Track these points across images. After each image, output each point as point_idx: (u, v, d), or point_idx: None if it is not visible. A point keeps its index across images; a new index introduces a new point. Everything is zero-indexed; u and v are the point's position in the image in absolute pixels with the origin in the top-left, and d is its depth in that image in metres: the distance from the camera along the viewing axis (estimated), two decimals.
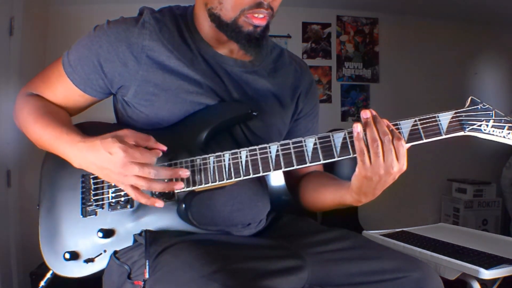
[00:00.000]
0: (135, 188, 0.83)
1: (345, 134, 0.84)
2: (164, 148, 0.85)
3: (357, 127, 0.80)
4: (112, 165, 0.81)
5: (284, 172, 1.10)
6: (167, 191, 0.85)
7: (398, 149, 0.79)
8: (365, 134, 0.79)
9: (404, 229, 1.77)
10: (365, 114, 0.80)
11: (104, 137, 0.82)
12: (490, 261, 1.32)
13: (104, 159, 0.81)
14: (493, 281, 1.41)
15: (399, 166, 0.79)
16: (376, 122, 0.80)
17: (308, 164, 0.85)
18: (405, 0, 3.07)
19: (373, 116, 0.80)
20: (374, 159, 0.78)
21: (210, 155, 0.87)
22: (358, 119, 3.33)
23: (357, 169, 0.81)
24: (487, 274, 1.25)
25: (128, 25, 0.92)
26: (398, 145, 0.79)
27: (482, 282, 1.34)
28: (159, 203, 0.84)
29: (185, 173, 0.85)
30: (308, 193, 1.03)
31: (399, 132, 0.82)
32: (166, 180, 0.84)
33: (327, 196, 0.96)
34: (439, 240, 1.58)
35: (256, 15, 0.88)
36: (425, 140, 0.82)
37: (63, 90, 0.96)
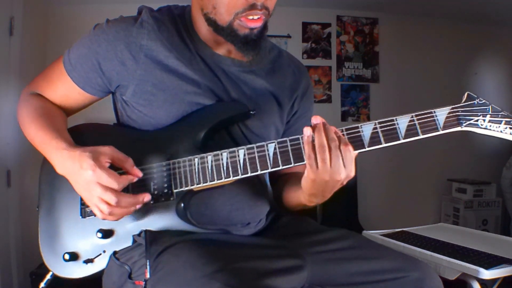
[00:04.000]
0: (99, 208, 0.82)
1: (342, 132, 0.83)
2: (140, 174, 0.85)
3: (307, 131, 0.79)
4: (80, 179, 0.82)
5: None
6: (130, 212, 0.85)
7: (346, 155, 0.78)
8: (314, 140, 0.78)
9: (404, 229, 1.77)
10: (316, 120, 0.80)
11: (84, 150, 0.83)
12: (490, 261, 1.32)
13: (75, 171, 0.82)
14: (493, 281, 1.41)
15: (346, 172, 0.78)
16: (325, 129, 0.79)
17: (306, 162, 0.84)
18: (405, 0, 3.07)
19: (323, 123, 0.79)
20: (321, 165, 0.78)
21: (208, 154, 0.87)
22: (358, 119, 3.33)
23: (305, 172, 0.81)
24: (487, 274, 1.25)
25: (126, 24, 0.92)
26: (345, 151, 0.78)
27: (482, 282, 1.34)
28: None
29: (146, 198, 0.84)
30: (281, 193, 1.04)
31: (396, 128, 0.82)
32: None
33: (290, 195, 0.98)
34: (439, 240, 1.57)
35: (250, 17, 0.87)
36: (422, 136, 0.82)
37: (63, 88, 0.97)
